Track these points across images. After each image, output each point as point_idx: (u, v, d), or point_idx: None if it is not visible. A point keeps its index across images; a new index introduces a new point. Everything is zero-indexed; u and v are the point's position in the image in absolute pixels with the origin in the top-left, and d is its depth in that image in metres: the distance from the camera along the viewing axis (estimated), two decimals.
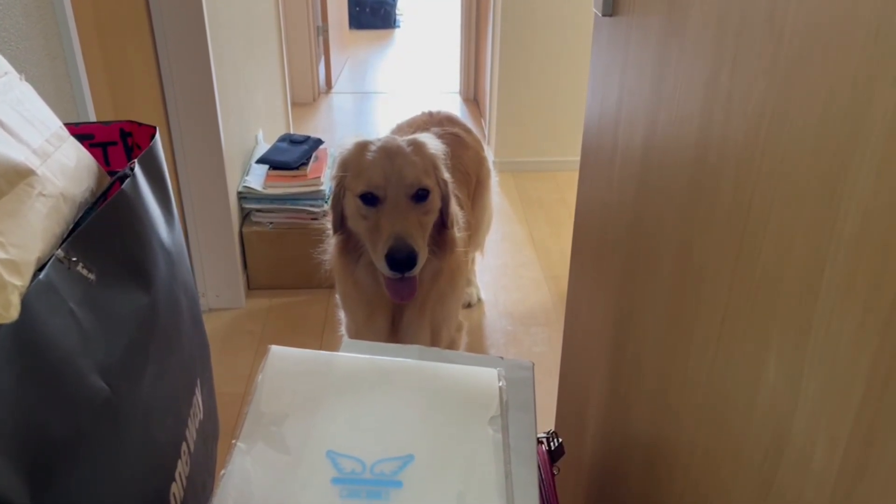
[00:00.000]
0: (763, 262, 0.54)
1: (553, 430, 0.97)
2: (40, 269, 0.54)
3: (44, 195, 0.59)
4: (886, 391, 0.40)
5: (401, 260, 1.30)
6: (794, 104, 0.50)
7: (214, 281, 2.30)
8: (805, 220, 0.48)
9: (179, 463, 0.70)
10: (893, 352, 0.39)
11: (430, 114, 2.11)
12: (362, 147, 1.40)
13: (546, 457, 0.91)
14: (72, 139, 0.72)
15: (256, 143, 2.64)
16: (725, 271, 0.60)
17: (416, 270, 1.33)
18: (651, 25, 0.77)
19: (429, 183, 1.37)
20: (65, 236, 0.60)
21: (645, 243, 0.83)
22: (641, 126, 0.82)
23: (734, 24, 0.59)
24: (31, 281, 0.52)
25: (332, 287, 2.32)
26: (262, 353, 2.13)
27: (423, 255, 1.34)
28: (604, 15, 0.91)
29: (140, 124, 0.85)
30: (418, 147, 1.40)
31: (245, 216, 2.39)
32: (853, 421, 0.43)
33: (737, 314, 0.59)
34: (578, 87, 3.32)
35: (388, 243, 1.30)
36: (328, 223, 1.56)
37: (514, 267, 2.64)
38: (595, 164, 1.05)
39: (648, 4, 0.78)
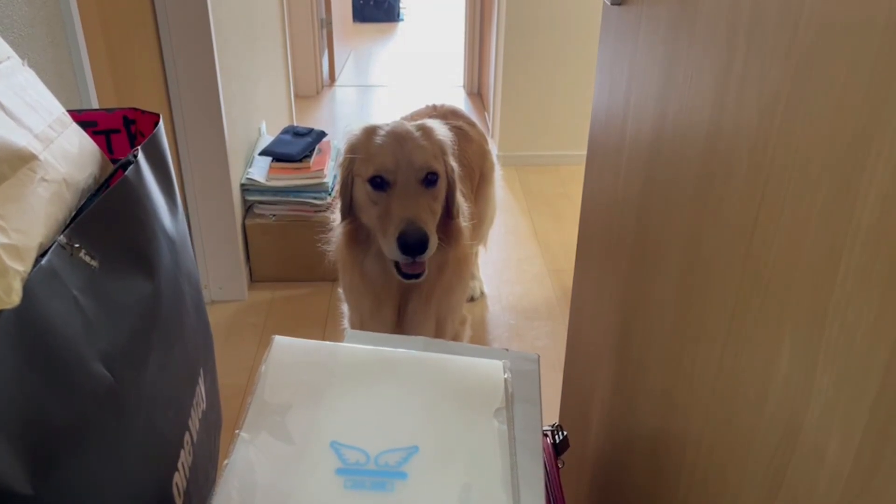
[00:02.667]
0: (776, 252, 0.53)
1: (557, 423, 0.96)
2: (42, 254, 0.53)
3: (46, 180, 0.58)
4: None
5: (412, 244, 1.28)
6: (811, 92, 0.49)
7: (217, 273, 2.29)
8: (821, 209, 0.47)
9: (182, 452, 0.69)
10: None
11: (434, 107, 2.10)
12: (371, 132, 1.39)
13: (551, 449, 0.90)
14: (74, 125, 0.71)
15: (259, 135, 2.63)
16: (736, 263, 0.60)
17: (428, 255, 1.32)
18: (661, 13, 0.76)
19: (438, 167, 1.37)
20: (67, 222, 0.60)
21: (653, 235, 0.82)
22: (651, 116, 0.81)
23: (748, 10, 0.58)
24: (34, 267, 0.51)
25: (334, 280, 2.32)
26: (264, 345, 2.13)
27: (433, 240, 1.33)
28: (612, 4, 0.90)
29: (144, 112, 0.84)
30: (427, 132, 1.39)
31: (248, 208, 2.38)
32: (868, 414, 0.42)
33: (748, 307, 0.58)
34: (582, 81, 3.31)
35: (399, 227, 1.29)
36: (333, 214, 1.55)
37: (517, 261, 2.63)
38: (602, 155, 1.04)
39: None
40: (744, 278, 0.58)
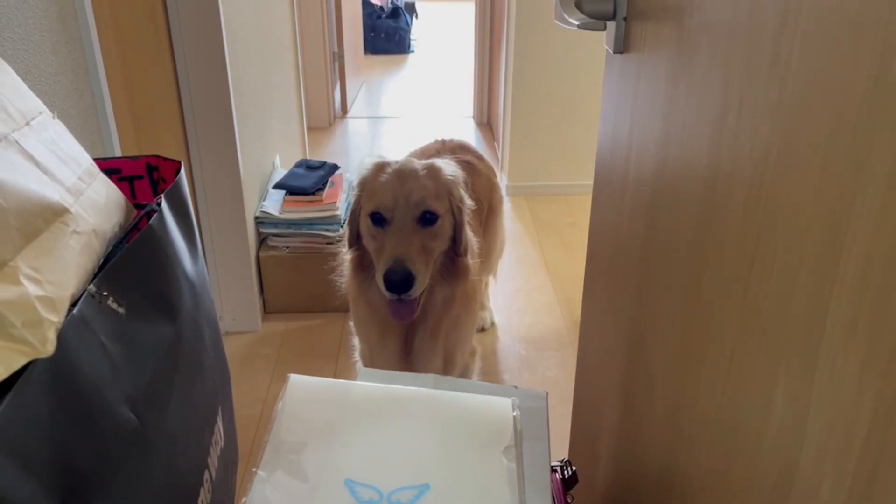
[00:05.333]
0: (770, 299, 0.55)
1: (567, 458, 0.98)
2: (73, 304, 0.56)
3: (77, 232, 0.61)
4: (889, 430, 0.41)
5: (396, 282, 1.33)
6: (798, 148, 0.51)
7: (231, 304, 2.33)
8: (809, 261, 0.49)
9: (202, 490, 0.71)
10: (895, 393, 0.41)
11: (443, 141, 2.14)
12: (380, 168, 1.44)
13: (560, 485, 0.92)
14: (102, 175, 0.75)
15: (273, 168, 2.68)
16: (734, 306, 0.62)
17: (414, 293, 1.36)
18: (660, 65, 0.80)
19: (437, 207, 1.39)
20: (96, 271, 0.63)
21: (656, 274, 0.84)
22: (652, 159, 0.84)
23: (740, 67, 0.61)
24: (66, 316, 0.54)
25: (347, 310, 2.34)
26: (277, 376, 2.15)
27: (421, 279, 1.36)
28: (615, 52, 0.93)
29: (166, 159, 0.88)
30: (433, 171, 1.43)
31: (262, 241, 2.42)
32: (858, 458, 0.44)
33: (745, 349, 0.60)
34: (590, 112, 3.35)
35: (386, 264, 1.34)
36: (343, 245, 1.60)
37: (527, 290, 2.65)
38: (607, 194, 1.07)
39: (658, 45, 0.81)
40: (741, 321, 0.61)
